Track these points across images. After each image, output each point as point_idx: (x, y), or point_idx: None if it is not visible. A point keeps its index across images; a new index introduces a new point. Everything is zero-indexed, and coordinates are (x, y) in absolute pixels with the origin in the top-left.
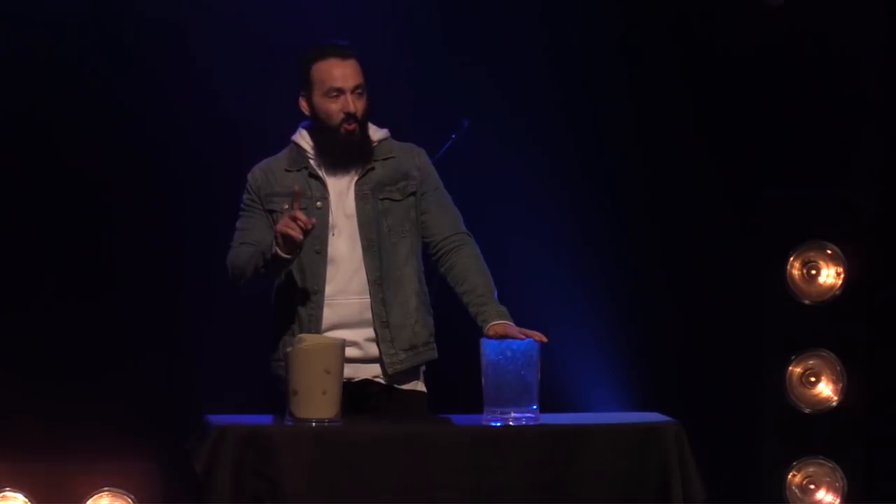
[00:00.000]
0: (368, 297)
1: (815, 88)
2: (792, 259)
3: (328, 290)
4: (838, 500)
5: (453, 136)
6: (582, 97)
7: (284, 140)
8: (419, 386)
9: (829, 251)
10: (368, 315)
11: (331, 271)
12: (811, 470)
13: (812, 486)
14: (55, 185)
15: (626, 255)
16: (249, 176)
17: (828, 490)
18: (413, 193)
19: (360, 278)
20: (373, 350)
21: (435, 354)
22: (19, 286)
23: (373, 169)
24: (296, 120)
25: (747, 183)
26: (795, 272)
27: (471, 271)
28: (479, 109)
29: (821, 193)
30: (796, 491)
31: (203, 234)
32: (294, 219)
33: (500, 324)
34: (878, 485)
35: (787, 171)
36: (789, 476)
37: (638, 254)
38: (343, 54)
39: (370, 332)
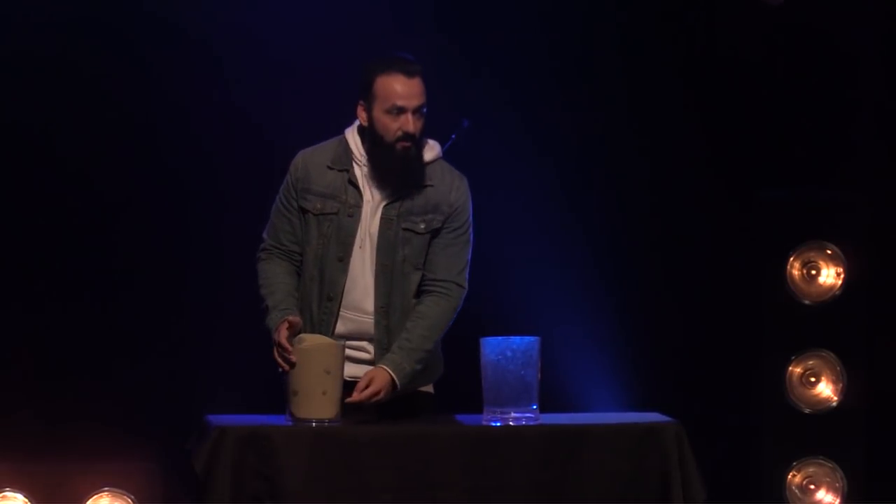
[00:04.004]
0: (373, 320)
1: (814, 88)
2: (792, 259)
3: (344, 300)
4: (838, 500)
5: (453, 135)
6: (581, 97)
7: (291, 141)
8: (427, 387)
9: (829, 251)
10: (373, 333)
11: (349, 282)
12: (811, 470)
13: (812, 486)
14: (57, 185)
15: (626, 255)
16: (293, 164)
17: (828, 490)
18: (436, 230)
19: (371, 299)
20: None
21: (433, 379)
22: (20, 286)
23: (406, 196)
24: (299, 120)
25: (747, 183)
26: (795, 272)
27: (424, 319)
28: (479, 109)
29: (821, 193)
30: (796, 491)
31: (205, 235)
32: (281, 350)
33: (374, 370)
34: (878, 485)
35: (787, 172)
36: (789, 476)
37: (638, 254)
38: (409, 71)
39: (373, 346)
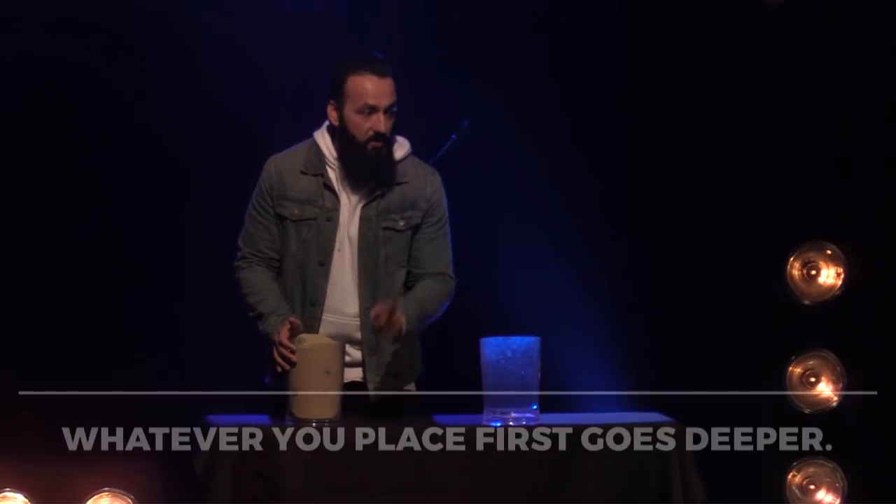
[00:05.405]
0: (359, 321)
1: (814, 89)
2: (792, 259)
3: (326, 304)
4: (838, 500)
5: (453, 136)
6: (580, 98)
7: (288, 139)
8: (409, 387)
9: (829, 251)
10: (359, 336)
11: (330, 286)
12: (811, 470)
13: (812, 487)
14: (58, 186)
15: (627, 255)
16: (265, 170)
17: (828, 490)
18: (416, 226)
19: (354, 301)
20: (357, 355)
21: (415, 377)
22: (20, 286)
23: (382, 195)
24: (298, 120)
25: (747, 183)
26: (795, 272)
27: (422, 291)
28: (479, 110)
29: (820, 193)
30: (796, 491)
31: (205, 234)
32: (281, 347)
33: (383, 302)
34: (878, 485)
35: (787, 172)
36: (789, 476)
37: (638, 254)
38: (381, 71)
39: (359, 349)
